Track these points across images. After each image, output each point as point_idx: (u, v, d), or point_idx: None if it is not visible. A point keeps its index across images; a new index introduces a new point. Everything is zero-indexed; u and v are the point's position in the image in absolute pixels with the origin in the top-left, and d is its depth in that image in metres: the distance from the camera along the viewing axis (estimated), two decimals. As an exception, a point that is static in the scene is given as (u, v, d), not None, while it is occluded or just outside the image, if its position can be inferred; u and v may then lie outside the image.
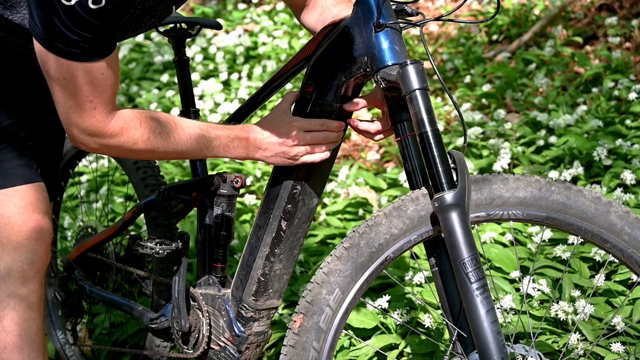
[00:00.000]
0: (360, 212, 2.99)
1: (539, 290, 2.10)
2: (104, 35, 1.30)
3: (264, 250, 1.59)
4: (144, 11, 1.54)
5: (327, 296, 1.38)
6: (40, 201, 1.62)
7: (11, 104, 1.62)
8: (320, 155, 1.51)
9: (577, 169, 2.73)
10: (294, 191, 1.54)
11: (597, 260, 2.23)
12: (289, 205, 1.56)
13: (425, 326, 2.05)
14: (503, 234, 2.47)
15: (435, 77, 3.92)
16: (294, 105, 1.55)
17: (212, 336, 1.72)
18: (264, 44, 5.00)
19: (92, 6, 1.23)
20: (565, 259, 2.23)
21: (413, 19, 1.49)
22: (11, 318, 1.59)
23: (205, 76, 4.75)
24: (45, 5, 1.24)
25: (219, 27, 1.98)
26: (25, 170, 1.62)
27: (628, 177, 2.56)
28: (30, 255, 1.59)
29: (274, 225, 1.57)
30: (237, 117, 1.77)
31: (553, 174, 2.75)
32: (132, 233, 2.11)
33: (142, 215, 2.01)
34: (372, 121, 1.53)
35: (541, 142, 3.09)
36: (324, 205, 3.11)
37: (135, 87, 4.81)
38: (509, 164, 2.93)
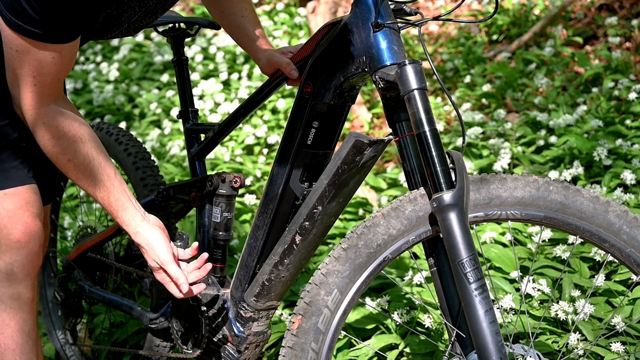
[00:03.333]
0: (360, 212, 2.99)
1: (538, 290, 2.10)
2: (66, 22, 1.35)
3: (273, 259, 1.54)
4: (131, 18, 1.55)
5: (325, 297, 1.38)
6: (31, 204, 1.60)
7: (3, 105, 1.59)
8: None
9: (577, 169, 2.73)
10: (315, 211, 1.46)
11: (597, 260, 2.23)
12: (307, 223, 1.48)
13: (425, 326, 2.05)
14: (503, 234, 2.47)
15: (435, 77, 3.92)
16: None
17: (211, 336, 1.72)
18: (264, 43, 4.99)
19: None
20: (565, 258, 2.23)
21: (412, 18, 1.49)
22: (2, 320, 1.58)
23: (205, 76, 4.75)
24: None
25: (217, 27, 1.98)
26: (17, 172, 1.60)
27: (628, 177, 2.56)
28: (20, 258, 1.58)
29: (288, 238, 1.51)
30: (236, 117, 1.77)
31: (553, 174, 2.75)
32: (132, 233, 2.11)
33: (142, 215, 2.01)
34: None
35: (541, 142, 3.09)
36: (324, 205, 3.11)
37: (135, 87, 4.81)
38: (509, 164, 2.93)
